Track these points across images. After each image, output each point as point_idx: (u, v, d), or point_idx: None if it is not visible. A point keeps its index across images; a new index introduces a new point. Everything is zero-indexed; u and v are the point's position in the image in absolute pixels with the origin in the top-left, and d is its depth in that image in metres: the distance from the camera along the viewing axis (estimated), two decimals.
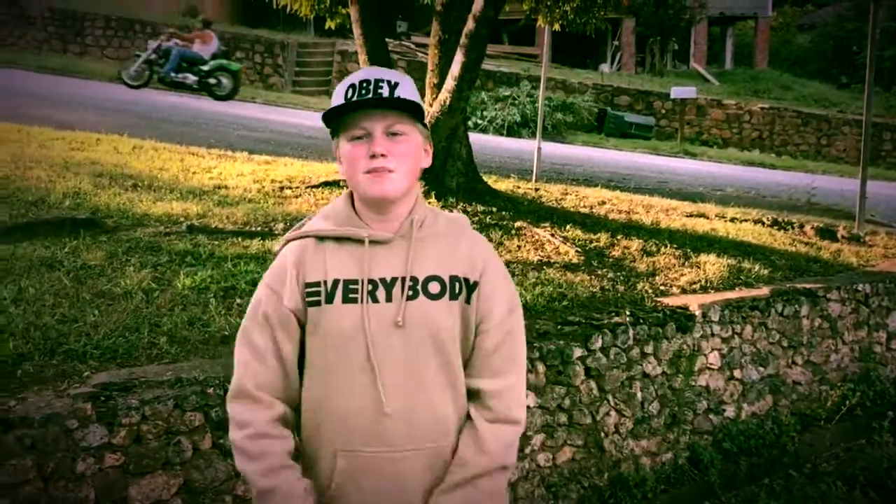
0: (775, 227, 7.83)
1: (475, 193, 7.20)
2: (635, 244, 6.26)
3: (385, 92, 1.73)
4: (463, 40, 6.61)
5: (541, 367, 4.33)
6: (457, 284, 1.77)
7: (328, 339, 1.74)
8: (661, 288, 5.43)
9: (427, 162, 1.86)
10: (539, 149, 10.19)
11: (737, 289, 5.52)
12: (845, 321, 5.97)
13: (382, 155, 1.73)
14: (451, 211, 2.07)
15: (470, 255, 1.81)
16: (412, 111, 1.79)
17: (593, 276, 5.42)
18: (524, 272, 5.36)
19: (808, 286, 5.77)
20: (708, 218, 7.98)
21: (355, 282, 1.75)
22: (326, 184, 7.23)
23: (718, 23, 28.14)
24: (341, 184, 7.26)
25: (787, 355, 5.61)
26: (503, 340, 1.80)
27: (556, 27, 8.12)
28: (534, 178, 10.09)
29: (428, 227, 1.82)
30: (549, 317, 4.72)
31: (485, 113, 19.67)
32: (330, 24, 8.36)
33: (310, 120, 14.11)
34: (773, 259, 6.41)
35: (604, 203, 8.12)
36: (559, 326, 4.57)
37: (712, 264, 5.92)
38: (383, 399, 1.70)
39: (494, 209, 6.79)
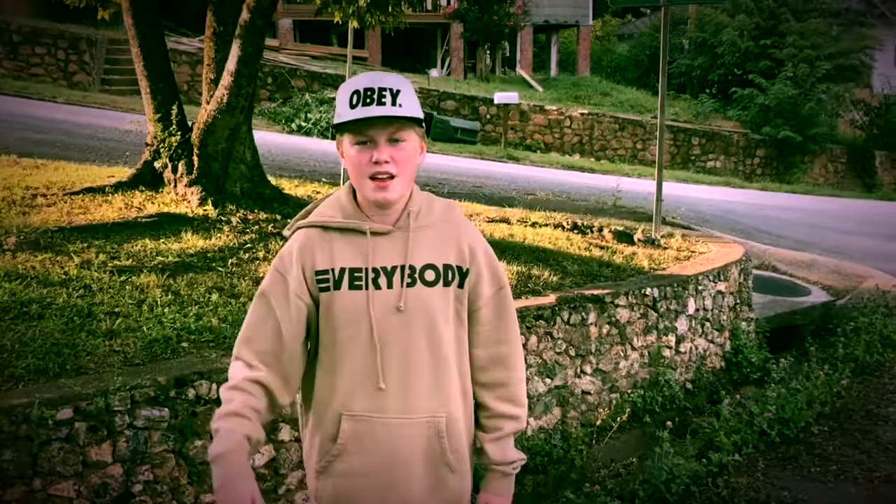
0: (574, 231, 7.77)
1: (262, 199, 6.66)
2: None
3: (388, 101, 1.89)
4: (238, 32, 6.07)
5: (298, 396, 3.86)
6: (449, 272, 1.99)
7: (337, 320, 1.95)
8: None
9: (422, 160, 2.02)
10: None
11: (523, 297, 5.29)
12: (634, 326, 5.89)
13: (386, 162, 1.91)
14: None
15: (459, 244, 2.02)
16: (412, 117, 1.94)
17: None
18: None
19: (595, 292, 5.63)
20: (509, 223, 7.82)
21: (359, 270, 1.95)
22: (89, 190, 6.47)
23: (544, 30, 28.86)
24: (106, 189, 6.52)
25: (574, 364, 5.44)
26: (494, 314, 2.06)
27: (354, 24, 7.70)
28: (341, 182, 9.66)
29: (423, 218, 2.01)
30: None
31: (309, 115, 19.08)
32: (103, 14, 7.55)
33: (114, 120, 12.99)
34: (566, 265, 6.27)
35: None
36: None
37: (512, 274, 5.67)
38: (379, 376, 1.94)
39: (279, 217, 6.27)
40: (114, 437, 3.30)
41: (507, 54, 28.56)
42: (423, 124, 2.04)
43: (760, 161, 22.63)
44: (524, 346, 4.92)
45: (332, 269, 1.96)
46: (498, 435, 2.09)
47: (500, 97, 19.77)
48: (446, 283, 1.98)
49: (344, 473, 1.99)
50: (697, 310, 6.55)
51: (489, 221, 7.83)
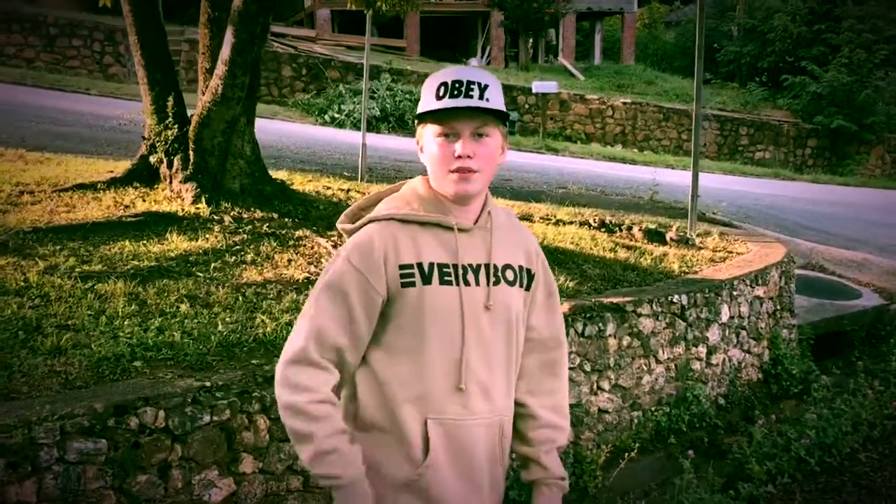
0: (601, 230, 7.23)
1: (262, 197, 6.25)
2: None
3: (475, 94, 1.82)
4: (231, 18, 5.66)
5: (262, 423, 3.45)
6: (524, 274, 1.96)
7: (426, 317, 1.84)
8: None
9: (503, 158, 1.94)
10: (364, 145, 9.35)
11: None
12: (659, 337, 5.35)
13: (469, 157, 1.83)
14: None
15: (527, 247, 2.01)
16: (498, 113, 1.86)
17: None
18: (281, 294, 4.47)
19: (615, 300, 5.11)
20: (531, 220, 7.30)
21: (448, 265, 1.87)
22: (79, 186, 6.14)
23: (587, 18, 28.09)
24: (99, 186, 6.19)
25: (590, 380, 4.93)
26: (547, 320, 2.03)
27: (351, 6, 7.26)
28: (359, 176, 9.24)
29: (497, 219, 1.97)
30: None
31: (342, 106, 18.73)
32: (104, 2, 7.22)
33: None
34: (586, 268, 5.75)
35: None
36: None
37: None
38: (470, 374, 1.86)
39: (276, 215, 5.86)
40: (39, 473, 2.91)
41: (553, 42, 27.85)
42: (508, 123, 1.96)
43: (812, 152, 21.65)
44: None
45: (420, 264, 1.86)
46: (550, 447, 2.04)
47: (537, 86, 19.17)
48: (521, 284, 1.96)
49: (436, 483, 1.88)
50: (732, 317, 5.97)
51: None
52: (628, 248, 6.66)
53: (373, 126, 18.01)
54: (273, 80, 19.73)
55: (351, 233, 1.94)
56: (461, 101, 1.82)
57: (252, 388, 3.49)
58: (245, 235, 5.38)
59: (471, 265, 1.89)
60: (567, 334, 4.68)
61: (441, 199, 1.90)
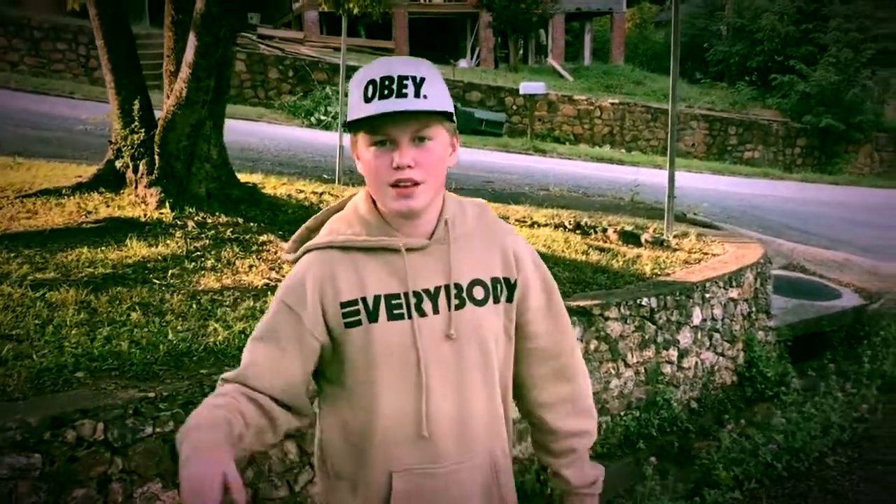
0: (576, 232, 7.17)
1: (229, 201, 6.18)
2: None
3: (410, 92, 1.54)
4: (195, 20, 5.60)
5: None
6: (498, 286, 1.70)
7: (377, 359, 1.62)
8: None
9: (453, 160, 1.67)
10: (341, 147, 9.27)
11: None
12: (628, 341, 5.29)
13: (409, 167, 1.57)
14: (470, 199, 1.84)
15: (504, 251, 1.72)
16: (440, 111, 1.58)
17: None
18: (237, 301, 4.40)
19: (582, 304, 5.05)
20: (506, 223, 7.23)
21: (398, 296, 1.63)
22: (44, 192, 6.07)
23: (577, 18, 28.07)
24: (63, 191, 6.12)
25: None
26: (548, 326, 1.77)
27: (325, 8, 7.20)
28: (337, 179, 9.18)
29: (460, 226, 1.69)
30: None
31: (329, 108, 18.66)
32: (73, 5, 7.17)
33: None
34: (555, 272, 5.66)
35: None
36: None
37: None
38: (428, 419, 1.63)
39: (241, 220, 5.79)
40: None
41: (543, 43, 27.81)
42: (455, 118, 1.64)
43: (801, 151, 21.65)
44: None
45: (364, 298, 1.62)
46: (572, 458, 1.82)
47: (525, 87, 19.13)
48: (496, 300, 1.69)
49: None
50: (704, 320, 5.91)
51: None
52: (601, 250, 6.60)
53: None
54: (259, 83, 19.68)
55: (293, 263, 1.70)
56: (393, 104, 1.53)
57: (198, 398, 3.40)
58: (207, 241, 5.31)
59: (426, 290, 1.64)
60: None
61: (386, 215, 1.66)
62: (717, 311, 6.07)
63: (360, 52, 22.99)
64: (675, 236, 7.36)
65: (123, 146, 6.17)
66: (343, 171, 9.32)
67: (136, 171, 6.10)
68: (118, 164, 6.21)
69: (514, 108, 20.33)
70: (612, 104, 20.89)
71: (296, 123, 18.04)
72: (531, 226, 7.23)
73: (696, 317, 5.82)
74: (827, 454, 4.87)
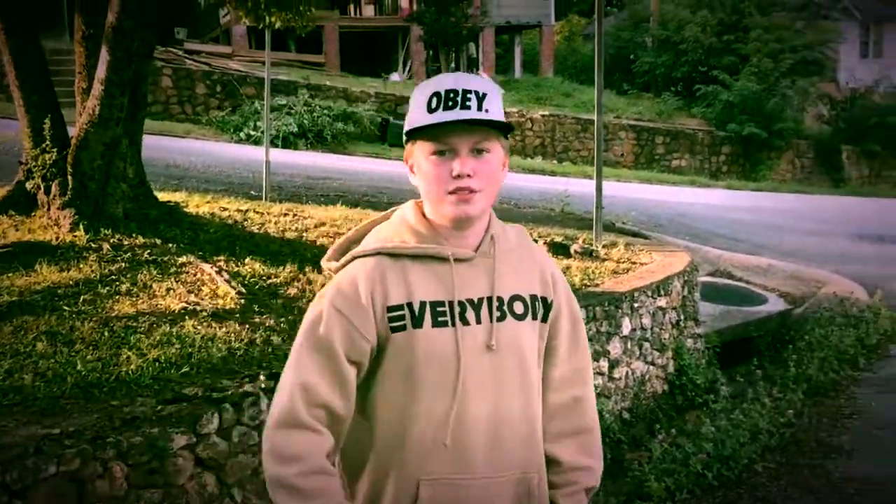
0: None
1: (147, 221, 5.97)
2: (322, 278, 5.28)
3: (473, 105, 1.62)
4: (106, 34, 5.40)
5: (118, 470, 3.20)
6: (537, 304, 1.74)
7: (418, 364, 1.64)
8: None
9: (505, 175, 1.74)
10: (267, 163, 9.10)
11: None
12: None
13: (468, 175, 1.63)
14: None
15: (542, 272, 1.77)
16: (500, 125, 1.67)
17: (246, 327, 4.36)
18: (153, 327, 4.21)
19: None
20: None
21: (442, 304, 1.66)
22: None
23: (506, 31, 28.30)
24: (11, 213, 5.84)
25: None
26: (570, 353, 1.79)
27: (246, 22, 7.05)
28: (263, 196, 8.99)
29: (504, 242, 1.74)
30: (155, 391, 3.61)
31: (258, 123, 18.35)
32: None
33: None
34: None
35: (322, 224, 7.12)
36: (159, 407, 3.47)
37: None
38: (480, 424, 1.65)
39: (160, 241, 5.59)
40: None
41: (474, 56, 27.94)
42: (508, 136, 1.73)
43: (726, 158, 22.16)
44: None
45: (410, 304, 1.66)
46: (573, 490, 1.78)
47: None
48: (534, 317, 1.72)
49: None
50: (634, 329, 5.94)
51: None
52: None
53: (290, 142, 17.74)
54: (187, 98, 19.27)
55: (337, 271, 1.73)
56: (457, 114, 1.61)
57: (108, 432, 3.24)
58: (123, 264, 5.10)
59: (470, 300, 1.68)
60: None
61: (435, 225, 1.70)
62: (646, 321, 6.11)
63: (290, 67, 22.76)
64: (603, 246, 7.40)
65: (34, 166, 5.91)
66: (270, 188, 9.14)
67: (48, 192, 5.84)
68: (29, 185, 5.95)
69: None
70: (543, 116, 21.09)
71: (224, 139, 17.71)
72: None
73: (626, 327, 5.85)
74: (756, 461, 4.91)
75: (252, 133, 18.05)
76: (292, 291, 5.07)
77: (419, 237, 1.69)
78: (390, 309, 1.65)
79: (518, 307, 1.71)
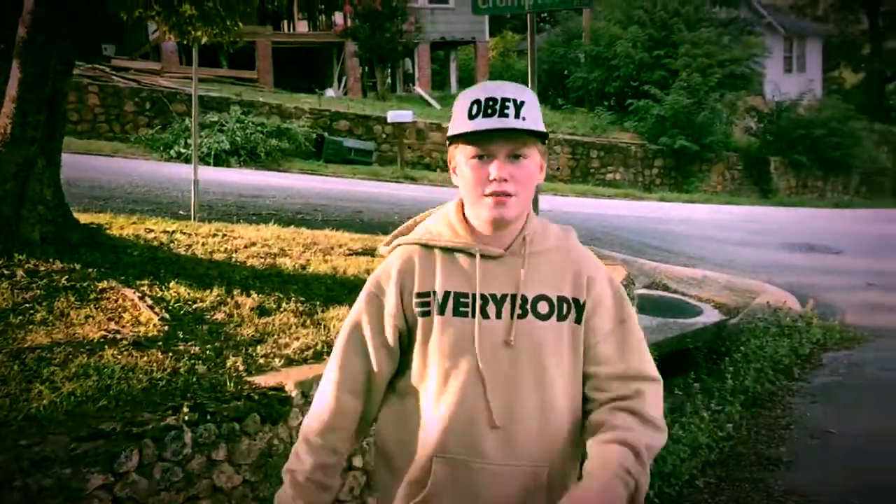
0: None
1: (66, 245, 5.66)
2: (251, 301, 5.08)
3: (511, 113, 1.73)
4: (17, 49, 5.13)
5: None
6: (565, 305, 1.78)
7: (438, 349, 1.77)
8: (261, 361, 4.25)
9: (542, 178, 1.84)
10: (196, 181, 8.83)
11: None
12: None
13: (504, 180, 1.73)
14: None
15: (577, 274, 1.81)
16: (537, 132, 1.77)
17: (169, 355, 4.14)
18: (69, 358, 3.96)
19: None
20: (373, 256, 7.02)
21: (466, 295, 1.77)
22: None
23: (442, 47, 28.41)
24: None
25: None
26: (615, 352, 1.79)
27: (171, 38, 6.83)
28: (192, 215, 8.72)
29: (538, 244, 1.82)
30: (69, 428, 3.37)
31: (189, 141, 17.94)
32: None
33: None
34: None
35: (253, 245, 6.89)
36: (73, 445, 3.24)
37: (340, 320, 4.87)
38: (492, 412, 1.72)
39: (79, 266, 5.31)
40: None
41: (410, 71, 27.93)
42: (546, 141, 1.84)
43: (659, 171, 22.58)
44: None
45: (435, 292, 1.78)
46: (609, 437, 1.67)
47: (393, 115, 19.08)
48: (560, 318, 1.77)
49: None
50: None
51: (350, 254, 7.02)
52: None
53: (222, 160, 17.38)
54: (115, 116, 18.76)
55: (387, 255, 1.91)
56: (495, 122, 1.71)
57: (14, 475, 3.01)
58: (38, 291, 4.81)
59: (493, 295, 1.76)
60: None
61: (472, 224, 1.81)
62: None
63: (222, 83, 22.38)
64: None
65: None
66: (200, 207, 8.88)
67: None
68: None
69: (384, 136, 20.25)
70: None
71: (154, 157, 17.26)
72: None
73: None
74: (697, 476, 4.88)
75: (183, 151, 17.63)
76: (219, 316, 4.86)
77: (453, 232, 1.82)
78: (419, 295, 1.78)
79: (542, 307, 1.77)
